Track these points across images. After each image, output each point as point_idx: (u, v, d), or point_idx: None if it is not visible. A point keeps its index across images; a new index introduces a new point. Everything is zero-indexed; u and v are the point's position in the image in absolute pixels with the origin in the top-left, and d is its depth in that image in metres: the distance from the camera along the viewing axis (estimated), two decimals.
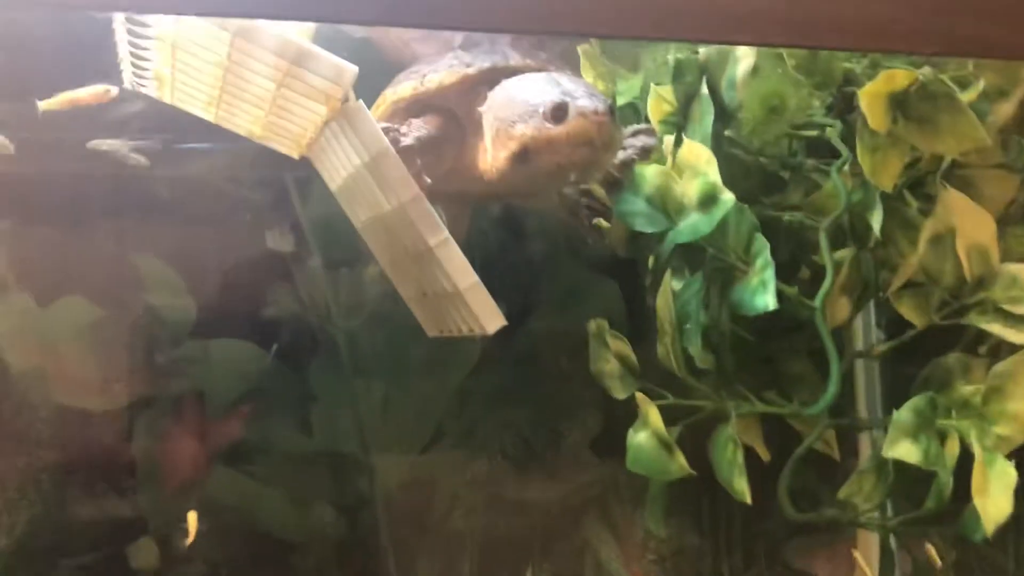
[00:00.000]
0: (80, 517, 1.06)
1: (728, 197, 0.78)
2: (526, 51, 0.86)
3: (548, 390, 1.18)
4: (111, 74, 0.87)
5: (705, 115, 0.85)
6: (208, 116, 0.90)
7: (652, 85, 0.90)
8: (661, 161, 0.87)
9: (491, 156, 0.80)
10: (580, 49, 1.00)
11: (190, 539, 1.01)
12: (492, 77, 0.83)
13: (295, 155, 0.93)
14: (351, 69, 0.72)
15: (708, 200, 0.80)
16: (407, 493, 1.15)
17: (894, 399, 1.06)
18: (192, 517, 1.03)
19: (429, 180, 0.78)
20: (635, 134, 0.88)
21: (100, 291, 1.09)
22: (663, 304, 0.82)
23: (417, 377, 1.15)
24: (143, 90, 0.89)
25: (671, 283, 0.84)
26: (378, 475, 1.14)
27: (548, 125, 0.74)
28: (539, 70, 0.83)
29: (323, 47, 0.94)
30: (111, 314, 1.09)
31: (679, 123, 0.89)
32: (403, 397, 1.15)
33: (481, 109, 0.81)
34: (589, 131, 0.73)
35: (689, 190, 0.81)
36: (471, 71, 0.83)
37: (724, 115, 0.87)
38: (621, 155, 0.86)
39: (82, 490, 1.07)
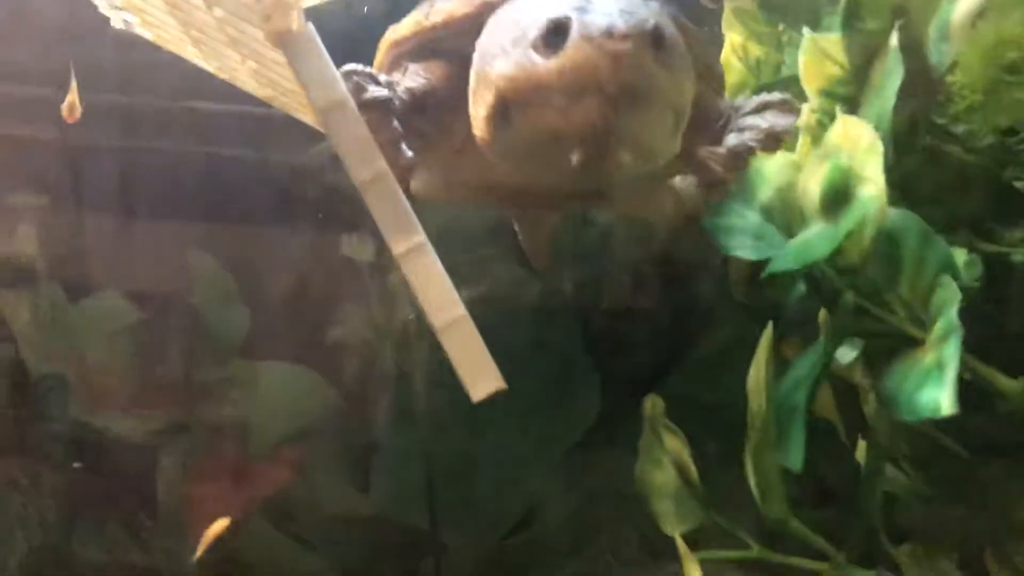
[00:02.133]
0: (84, 558, 0.89)
1: (872, 192, 0.41)
2: None
3: None
4: None
5: (890, 78, 0.49)
6: (208, 67, 0.69)
7: (806, 34, 0.55)
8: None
9: (473, 119, 0.51)
10: (729, 6, 0.68)
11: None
12: None
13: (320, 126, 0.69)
14: None
15: (837, 198, 0.44)
16: None
17: None
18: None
19: (411, 154, 0.50)
20: (761, 108, 0.55)
21: (141, 289, 0.92)
22: (755, 387, 0.48)
23: (510, 436, 0.90)
24: (135, 29, 0.68)
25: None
26: (447, 558, 0.91)
27: (536, 58, 0.45)
28: None
29: None
30: (150, 318, 0.91)
31: (851, 95, 0.53)
32: (489, 461, 0.91)
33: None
34: (596, 66, 0.43)
35: (811, 184, 0.45)
36: None
37: (927, 84, 0.50)
38: (733, 140, 0.53)
39: (91, 526, 0.90)
